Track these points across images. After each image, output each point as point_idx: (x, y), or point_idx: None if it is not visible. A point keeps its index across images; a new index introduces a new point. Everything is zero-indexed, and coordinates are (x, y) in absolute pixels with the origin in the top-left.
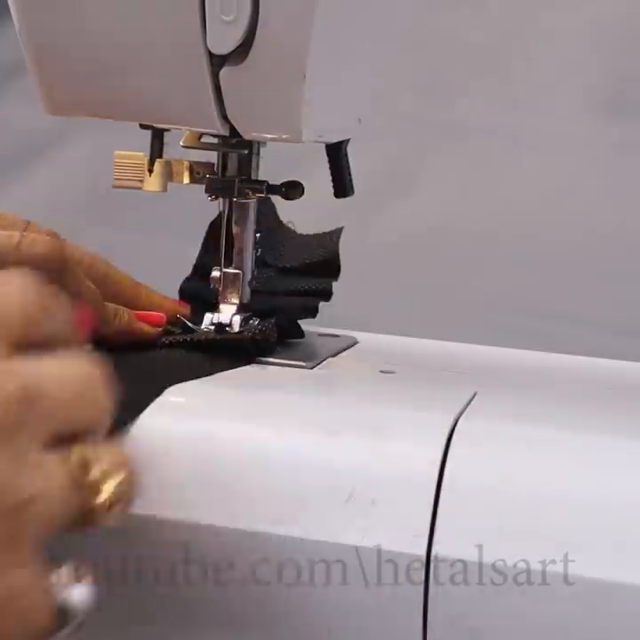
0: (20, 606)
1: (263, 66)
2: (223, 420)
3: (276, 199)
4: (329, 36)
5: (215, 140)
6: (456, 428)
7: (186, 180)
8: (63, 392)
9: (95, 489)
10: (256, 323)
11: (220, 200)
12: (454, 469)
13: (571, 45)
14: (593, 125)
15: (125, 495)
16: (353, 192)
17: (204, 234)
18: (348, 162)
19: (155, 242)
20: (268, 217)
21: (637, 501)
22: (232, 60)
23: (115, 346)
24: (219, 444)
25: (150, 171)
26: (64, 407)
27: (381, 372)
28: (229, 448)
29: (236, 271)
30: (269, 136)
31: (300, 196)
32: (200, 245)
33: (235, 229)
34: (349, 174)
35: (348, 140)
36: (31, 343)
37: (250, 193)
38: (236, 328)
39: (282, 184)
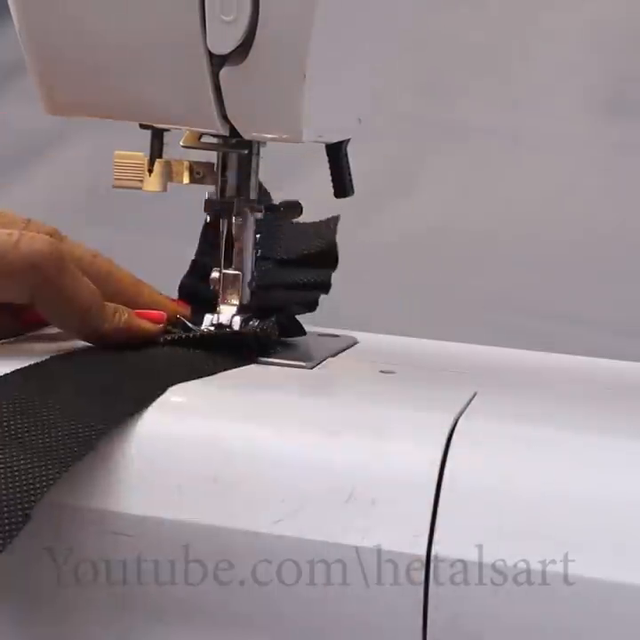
0: None
1: (263, 66)
2: (223, 420)
3: (274, 189)
4: (329, 36)
5: (215, 140)
6: (456, 428)
7: (186, 180)
8: None
9: None
10: (256, 323)
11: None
12: (454, 469)
13: (571, 45)
14: (593, 125)
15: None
16: (353, 192)
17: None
18: (348, 162)
19: (155, 242)
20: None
21: (637, 501)
22: (232, 60)
23: (115, 345)
24: (219, 444)
25: (150, 171)
26: None
27: (381, 372)
28: (229, 448)
29: (236, 272)
30: (269, 136)
31: (299, 215)
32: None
33: (235, 231)
34: (349, 174)
35: (348, 140)
36: None
37: (248, 212)
38: (236, 329)
39: (280, 204)
